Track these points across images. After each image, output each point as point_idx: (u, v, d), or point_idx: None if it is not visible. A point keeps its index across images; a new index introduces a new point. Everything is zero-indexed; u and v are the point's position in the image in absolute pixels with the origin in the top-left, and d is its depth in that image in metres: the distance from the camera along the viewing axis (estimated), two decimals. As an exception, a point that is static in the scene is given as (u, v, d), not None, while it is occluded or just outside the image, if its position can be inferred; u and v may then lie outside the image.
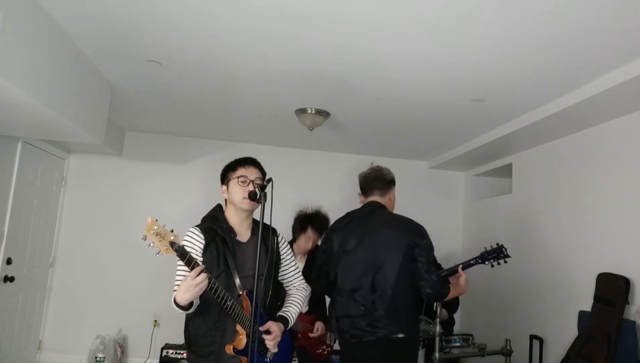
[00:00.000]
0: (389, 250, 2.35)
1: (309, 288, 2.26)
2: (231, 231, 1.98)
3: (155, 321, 4.75)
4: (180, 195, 4.88)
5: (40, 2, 2.29)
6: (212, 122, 4.40)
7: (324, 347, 3.33)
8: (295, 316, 2.10)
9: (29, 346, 4.36)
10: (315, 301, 3.31)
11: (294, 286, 2.20)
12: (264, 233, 2.03)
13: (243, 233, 2.03)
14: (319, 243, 3.37)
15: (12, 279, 3.77)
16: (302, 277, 2.24)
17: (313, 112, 3.68)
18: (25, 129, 3.37)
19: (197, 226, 1.98)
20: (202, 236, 1.92)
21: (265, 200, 1.85)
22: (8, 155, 3.70)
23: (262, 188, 1.87)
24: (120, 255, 4.76)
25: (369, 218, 2.50)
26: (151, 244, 1.62)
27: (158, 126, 4.77)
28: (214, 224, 1.97)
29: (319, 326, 3.24)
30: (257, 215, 1.92)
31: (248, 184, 1.97)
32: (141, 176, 4.97)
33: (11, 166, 3.74)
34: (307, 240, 3.22)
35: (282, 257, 2.14)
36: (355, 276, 2.39)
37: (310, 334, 3.20)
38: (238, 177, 1.99)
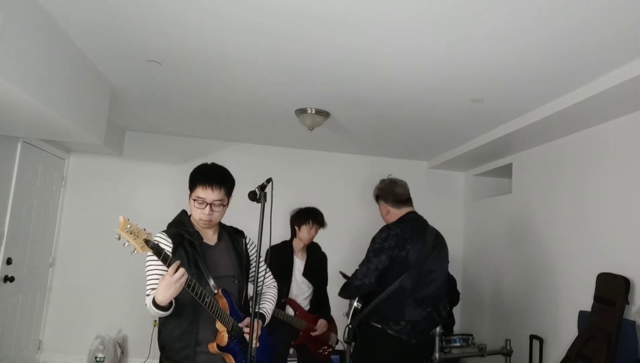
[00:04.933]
0: (444, 262, 2.76)
1: (277, 285, 2.30)
2: (198, 234, 1.97)
3: (155, 321, 4.75)
4: (180, 195, 4.85)
5: (40, 2, 2.29)
6: (212, 122, 4.40)
7: (325, 347, 3.34)
8: (270, 312, 2.15)
9: (29, 346, 4.36)
10: (317, 301, 3.32)
11: (265, 285, 2.23)
12: (233, 236, 2.08)
13: (210, 237, 2.04)
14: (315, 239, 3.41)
15: (12, 279, 3.77)
16: (271, 275, 2.27)
17: (313, 112, 3.68)
18: (25, 129, 3.37)
19: (163, 231, 1.95)
20: (169, 240, 1.90)
21: (265, 200, 1.85)
22: (8, 155, 3.70)
23: (262, 187, 1.87)
24: (120, 255, 4.72)
25: (427, 229, 2.72)
26: (126, 243, 1.62)
27: (158, 126, 4.77)
28: (180, 229, 1.95)
29: (321, 323, 3.25)
30: (257, 215, 1.91)
31: (205, 206, 1.93)
32: (141, 176, 4.98)
33: (11, 166, 3.74)
34: (310, 230, 3.26)
35: (250, 257, 2.15)
36: (427, 283, 2.61)
37: (312, 333, 3.21)
38: (195, 199, 1.94)
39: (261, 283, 2.22)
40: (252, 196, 1.88)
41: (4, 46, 2.08)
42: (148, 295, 1.81)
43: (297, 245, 3.32)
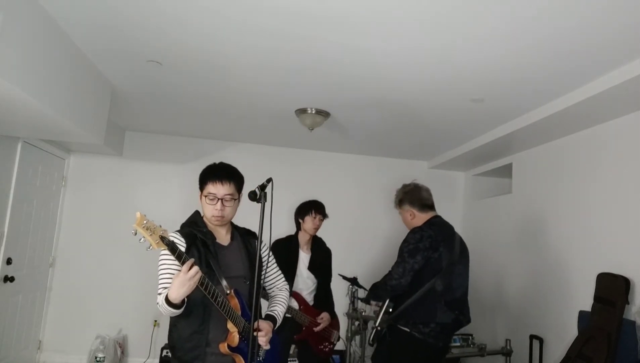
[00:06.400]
0: (468, 267, 2.79)
1: (289, 287, 2.31)
2: (211, 234, 1.98)
3: (155, 321, 4.75)
4: (180, 195, 4.87)
5: (41, 2, 2.30)
6: (212, 122, 4.40)
7: (326, 343, 3.34)
8: (282, 315, 2.14)
9: (29, 346, 4.36)
10: (321, 296, 3.32)
11: (277, 287, 2.24)
12: (245, 237, 2.08)
13: (223, 238, 2.05)
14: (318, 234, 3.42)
15: (12, 279, 3.77)
16: (283, 278, 2.28)
17: (313, 112, 3.68)
18: (25, 129, 3.37)
19: (176, 231, 1.97)
20: (182, 240, 1.91)
21: (265, 200, 1.86)
22: (8, 155, 3.70)
23: (262, 187, 1.88)
24: (120, 255, 4.76)
25: (454, 233, 2.76)
26: (142, 239, 1.62)
27: (158, 126, 4.77)
28: (193, 229, 1.96)
29: (324, 316, 3.25)
30: (256, 215, 1.92)
31: (216, 202, 1.95)
32: (141, 176, 4.97)
33: (11, 166, 3.74)
34: (313, 219, 3.29)
35: (263, 260, 2.13)
36: (456, 287, 2.65)
37: (314, 328, 3.22)
38: (206, 195, 1.98)
39: (273, 286, 2.23)
40: (252, 196, 1.88)
41: (4, 45, 2.08)
42: (160, 294, 1.81)
43: (303, 238, 3.33)
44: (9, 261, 3.77)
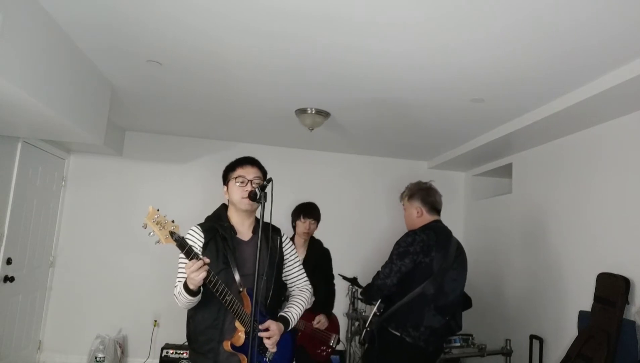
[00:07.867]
0: (464, 272, 2.78)
1: (312, 289, 2.26)
2: (232, 229, 1.99)
3: (155, 321, 4.75)
4: (180, 195, 4.88)
5: (41, 2, 2.30)
6: (212, 122, 4.40)
7: (324, 347, 3.31)
8: (297, 318, 2.09)
9: (29, 346, 4.36)
10: (319, 298, 3.30)
11: (298, 287, 2.19)
12: (266, 232, 2.03)
13: (245, 232, 2.04)
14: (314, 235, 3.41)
15: (12, 279, 3.77)
16: (306, 278, 2.21)
17: (313, 112, 3.68)
18: (25, 129, 3.37)
19: (199, 224, 2.01)
20: (202, 234, 1.95)
21: (265, 200, 1.85)
22: (8, 155, 3.70)
23: (262, 188, 1.87)
24: (120, 255, 4.76)
25: (451, 238, 2.75)
26: (151, 233, 1.62)
27: (158, 126, 4.77)
28: (215, 223, 1.99)
29: (320, 318, 3.23)
30: (257, 215, 1.93)
31: (246, 184, 1.99)
32: (141, 176, 4.97)
33: (11, 166, 3.74)
34: (304, 224, 3.31)
35: (285, 257, 2.12)
36: (448, 292, 2.62)
37: (313, 323, 3.21)
38: (236, 177, 2.01)
39: (293, 285, 2.19)
40: (253, 196, 1.89)
41: (4, 45, 2.08)
42: (176, 286, 1.86)
43: (298, 241, 3.33)
44: (9, 261, 3.77)
